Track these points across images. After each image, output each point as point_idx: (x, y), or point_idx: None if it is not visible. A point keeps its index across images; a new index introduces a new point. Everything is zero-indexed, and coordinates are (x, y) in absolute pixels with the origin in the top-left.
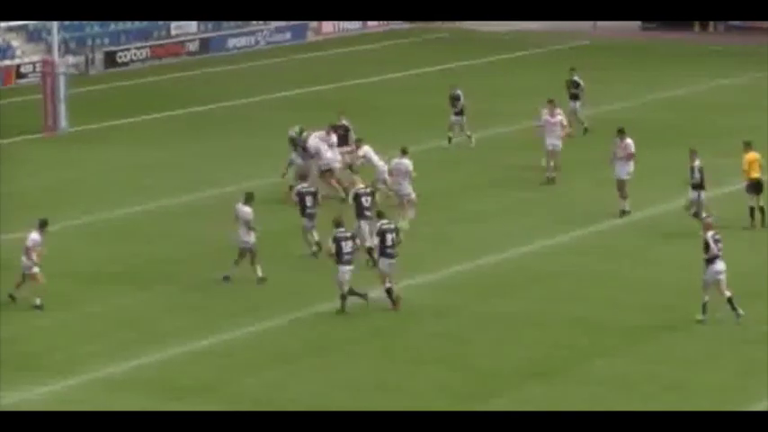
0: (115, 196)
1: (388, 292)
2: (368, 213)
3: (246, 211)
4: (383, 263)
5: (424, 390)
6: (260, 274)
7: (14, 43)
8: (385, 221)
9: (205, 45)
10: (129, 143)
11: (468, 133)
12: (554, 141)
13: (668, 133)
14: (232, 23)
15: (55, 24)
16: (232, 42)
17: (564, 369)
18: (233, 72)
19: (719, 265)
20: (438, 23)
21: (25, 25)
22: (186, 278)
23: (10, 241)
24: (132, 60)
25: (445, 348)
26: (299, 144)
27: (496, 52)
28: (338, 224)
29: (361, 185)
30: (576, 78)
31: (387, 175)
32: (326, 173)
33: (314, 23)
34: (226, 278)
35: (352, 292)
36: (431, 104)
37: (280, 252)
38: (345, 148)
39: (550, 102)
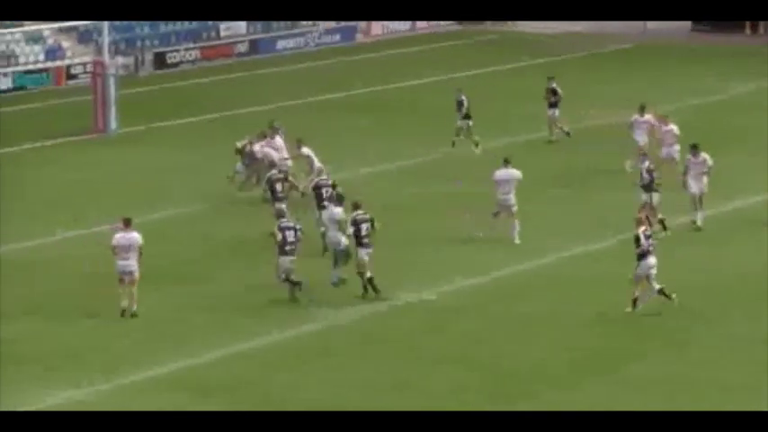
0: (156, 197)
1: (370, 281)
2: (326, 204)
3: (337, 211)
4: (361, 253)
5: (445, 390)
6: (342, 276)
7: (65, 44)
8: (360, 212)
9: (254, 46)
10: (178, 144)
11: (477, 139)
12: (668, 149)
13: (709, 136)
14: (281, 25)
15: (105, 26)
16: (281, 44)
17: (596, 372)
18: (282, 74)
19: (651, 260)
20: (487, 25)
21: (76, 26)
22: (219, 280)
23: (58, 242)
24: (182, 62)
25: (473, 350)
26: (246, 154)
27: (545, 54)
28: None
29: (324, 176)
30: (554, 86)
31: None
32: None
33: (363, 25)
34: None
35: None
36: (477, 106)
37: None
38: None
39: (641, 109)
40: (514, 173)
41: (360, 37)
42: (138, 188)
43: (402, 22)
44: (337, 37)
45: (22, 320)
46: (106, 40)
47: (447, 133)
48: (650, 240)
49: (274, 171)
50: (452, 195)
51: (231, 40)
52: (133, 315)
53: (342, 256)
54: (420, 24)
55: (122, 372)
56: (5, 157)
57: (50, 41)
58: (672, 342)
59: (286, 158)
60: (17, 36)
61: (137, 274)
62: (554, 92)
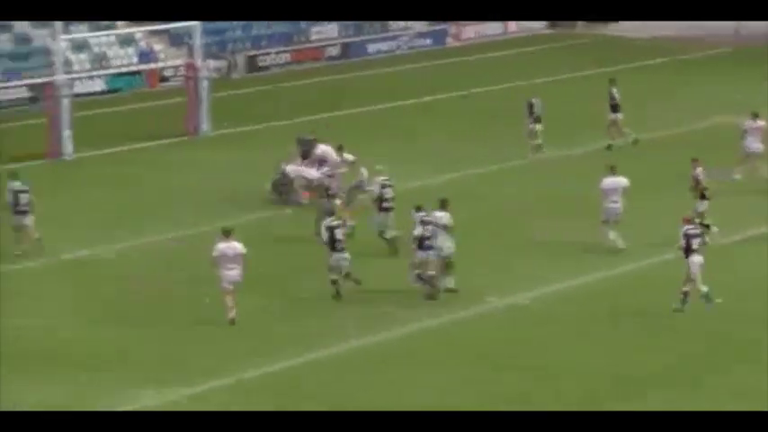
0: (248, 199)
1: (430, 279)
2: (386, 205)
3: (442, 215)
4: (422, 254)
5: (533, 394)
6: (451, 284)
7: (157, 47)
8: (423, 213)
9: (345, 50)
10: (269, 146)
11: (539, 142)
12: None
13: None
14: (373, 28)
15: (198, 28)
16: (372, 47)
17: (683, 380)
18: (372, 77)
19: (698, 258)
20: (579, 29)
21: (168, 29)
22: (306, 284)
23: (148, 244)
24: (273, 65)
25: (562, 354)
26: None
27: (637, 59)
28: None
29: (383, 177)
30: (613, 90)
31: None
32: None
33: (454, 29)
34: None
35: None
36: (568, 111)
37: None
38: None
39: (755, 115)
40: (621, 181)
41: (450, 41)
42: (229, 190)
43: (493, 26)
44: (428, 40)
45: (115, 324)
46: (198, 42)
47: (547, 136)
48: (698, 239)
49: (326, 169)
50: (546, 199)
51: (322, 44)
52: (232, 322)
53: (447, 264)
54: (511, 28)
55: (212, 375)
56: (98, 159)
57: (143, 44)
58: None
59: (339, 162)
60: (110, 39)
61: (240, 283)
62: (612, 96)
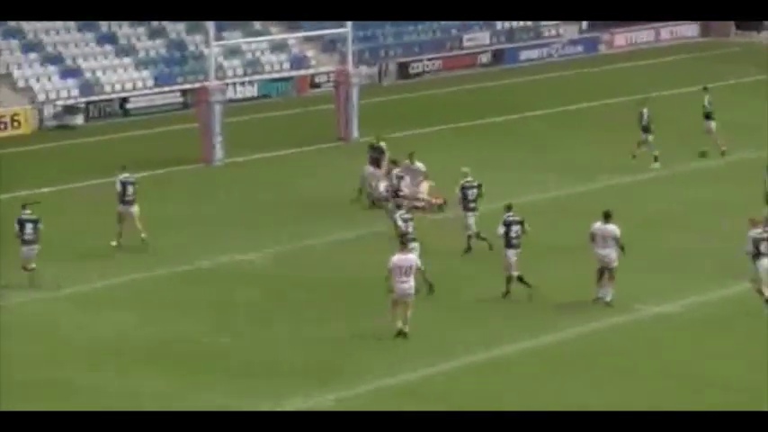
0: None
1: (520, 279)
2: (472, 205)
3: (611, 228)
4: (509, 253)
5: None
6: (602, 295)
7: (309, 53)
8: (510, 214)
9: (498, 57)
10: (421, 154)
11: (656, 153)
12: None
13: None
14: (524, 35)
15: (349, 35)
16: (525, 54)
17: None
18: (524, 84)
19: (765, 262)
20: (732, 37)
21: (320, 36)
22: (463, 291)
23: (303, 249)
24: (424, 72)
25: (711, 364)
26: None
27: None
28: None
29: (468, 179)
30: (706, 98)
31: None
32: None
33: (606, 36)
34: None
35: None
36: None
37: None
38: (379, 171)
39: None
40: None
41: (603, 48)
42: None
43: (645, 34)
44: (580, 48)
45: (261, 328)
46: (350, 49)
47: (688, 146)
48: (766, 243)
49: (397, 170)
50: (695, 207)
51: (474, 51)
52: (404, 335)
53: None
54: (663, 35)
55: (365, 381)
56: (249, 165)
57: (295, 50)
58: None
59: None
60: (263, 45)
61: (413, 296)
62: (707, 104)
